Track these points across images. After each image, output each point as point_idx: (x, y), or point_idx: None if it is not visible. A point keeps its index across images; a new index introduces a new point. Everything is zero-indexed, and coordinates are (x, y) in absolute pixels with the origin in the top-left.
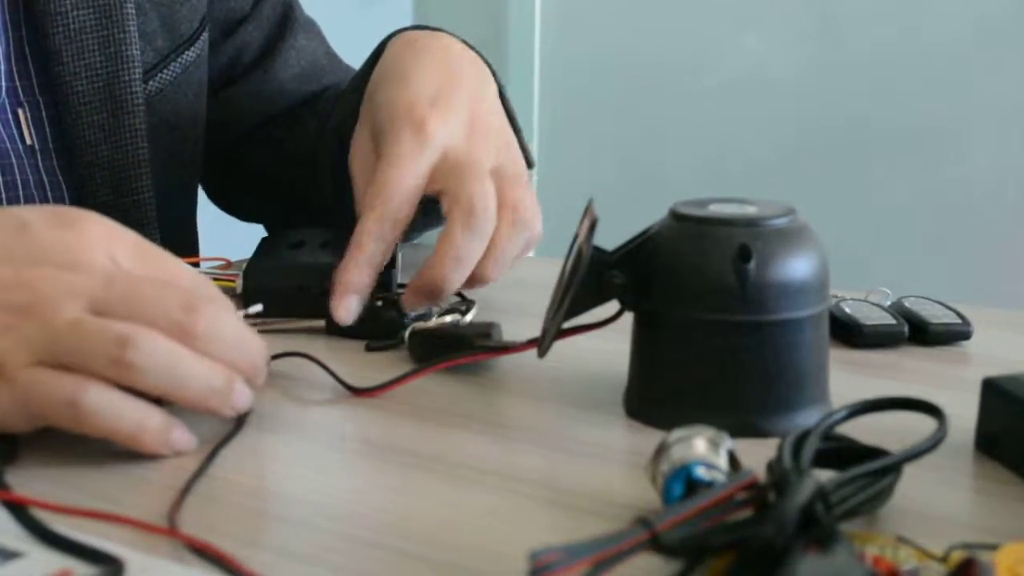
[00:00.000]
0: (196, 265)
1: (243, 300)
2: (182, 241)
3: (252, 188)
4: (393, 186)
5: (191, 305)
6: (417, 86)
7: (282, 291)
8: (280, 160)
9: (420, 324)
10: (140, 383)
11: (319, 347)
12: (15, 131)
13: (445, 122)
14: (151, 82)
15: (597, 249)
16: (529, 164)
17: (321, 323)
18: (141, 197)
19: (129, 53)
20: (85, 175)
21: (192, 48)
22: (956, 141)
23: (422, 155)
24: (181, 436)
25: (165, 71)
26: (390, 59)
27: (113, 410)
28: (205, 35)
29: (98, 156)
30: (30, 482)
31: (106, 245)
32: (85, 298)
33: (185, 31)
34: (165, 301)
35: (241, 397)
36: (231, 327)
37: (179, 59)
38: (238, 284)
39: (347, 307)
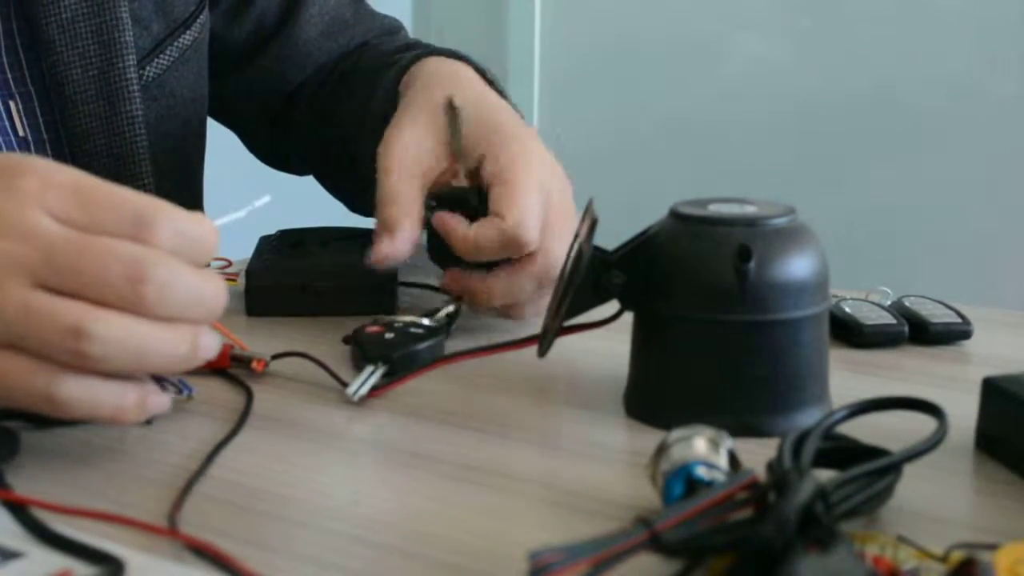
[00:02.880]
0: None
1: (245, 300)
2: None
3: (300, 147)
4: (528, 242)
5: (136, 275)
6: (513, 139)
7: (284, 290)
8: (319, 119)
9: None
10: (103, 370)
11: (319, 347)
12: (7, 123)
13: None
14: (148, 68)
15: (597, 249)
16: None
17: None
18: (141, 184)
19: (123, 40)
20: (83, 165)
21: (189, 31)
22: (956, 141)
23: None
24: (156, 401)
25: (161, 56)
26: (461, 86)
27: (90, 399)
28: (203, 18)
29: (95, 145)
30: (30, 482)
31: (41, 199)
32: (26, 272)
33: (180, 14)
34: (109, 272)
35: (207, 350)
36: (182, 282)
37: (176, 43)
38: (240, 283)
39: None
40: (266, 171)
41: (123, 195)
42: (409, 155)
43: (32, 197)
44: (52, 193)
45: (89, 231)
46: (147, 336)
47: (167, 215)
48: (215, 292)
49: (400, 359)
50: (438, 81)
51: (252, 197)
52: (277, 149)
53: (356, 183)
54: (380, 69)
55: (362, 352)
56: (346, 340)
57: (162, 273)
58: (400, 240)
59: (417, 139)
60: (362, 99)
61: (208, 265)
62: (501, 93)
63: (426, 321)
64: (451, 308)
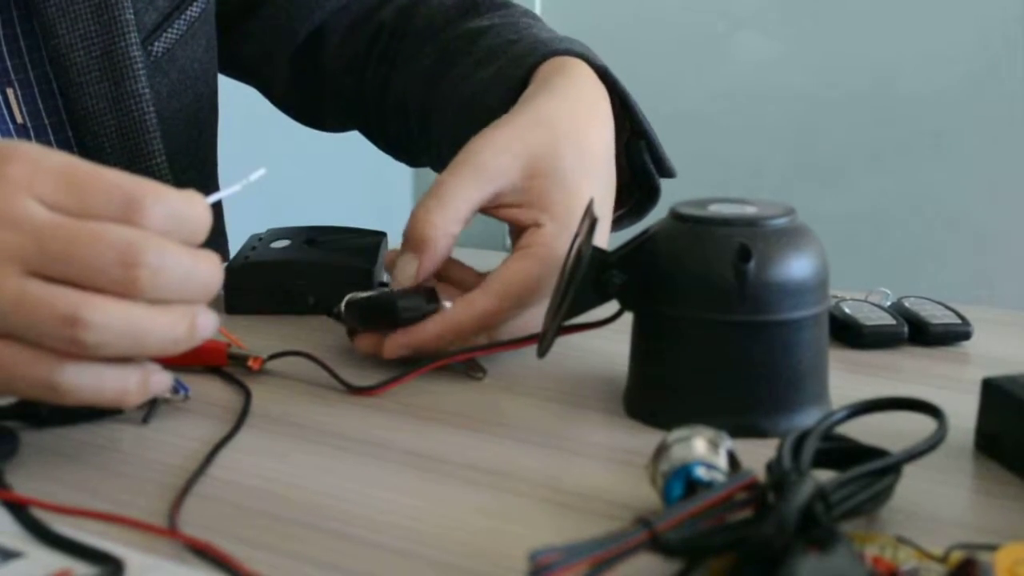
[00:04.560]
0: None
1: (224, 297)
2: None
3: (335, 96)
4: (528, 296)
5: (129, 259)
6: (580, 200)
7: (263, 289)
8: (345, 67)
9: (356, 295)
10: (100, 356)
11: (319, 347)
12: (5, 111)
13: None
14: (156, 43)
15: (597, 249)
16: (665, 173)
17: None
18: (154, 163)
19: (124, 18)
20: (92, 147)
21: (195, 3)
22: (956, 141)
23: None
24: (159, 380)
25: (170, 30)
26: (555, 144)
27: (94, 384)
28: None
29: (104, 126)
30: (30, 482)
31: (31, 186)
32: (19, 261)
33: None
34: (101, 258)
35: (204, 329)
36: (175, 264)
37: (183, 16)
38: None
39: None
40: (282, 142)
41: (113, 178)
42: (491, 162)
43: (21, 184)
44: (41, 179)
45: (80, 216)
46: (143, 320)
47: (157, 196)
48: (209, 271)
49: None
50: (573, 105)
51: (270, 168)
52: (305, 100)
53: (411, 137)
54: (454, 28)
55: (390, 308)
56: (334, 315)
57: (155, 256)
58: (427, 263)
59: (509, 150)
60: (435, 62)
61: (218, 243)
62: (623, 96)
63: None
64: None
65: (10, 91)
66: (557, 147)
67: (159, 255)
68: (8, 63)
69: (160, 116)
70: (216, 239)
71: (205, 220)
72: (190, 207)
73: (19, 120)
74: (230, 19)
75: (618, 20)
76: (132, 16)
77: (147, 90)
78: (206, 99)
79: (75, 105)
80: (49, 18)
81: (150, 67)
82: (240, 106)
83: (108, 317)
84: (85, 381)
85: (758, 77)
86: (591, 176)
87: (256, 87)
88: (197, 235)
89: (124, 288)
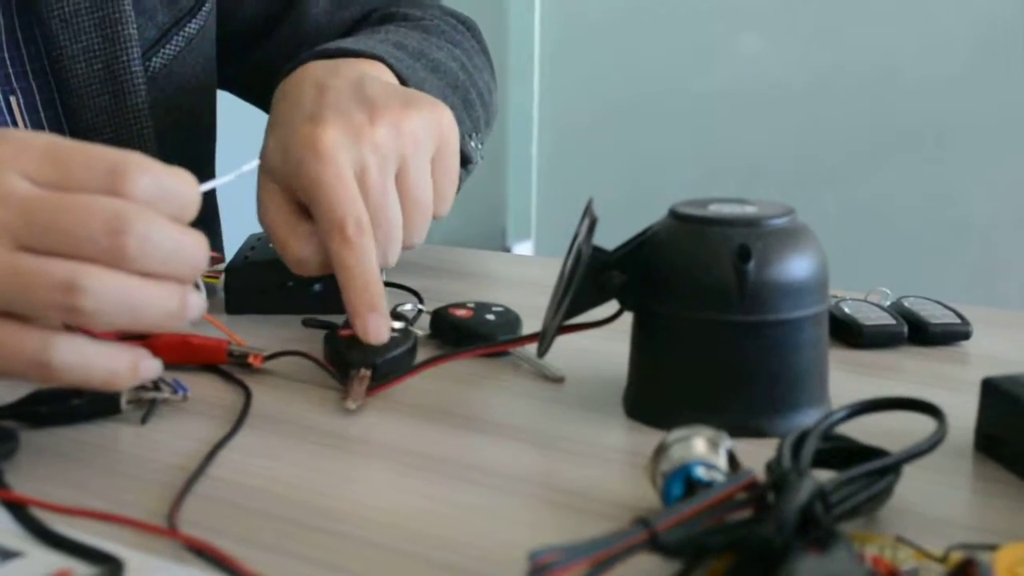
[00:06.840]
0: None
1: (224, 297)
2: (199, 217)
3: None
4: (344, 204)
5: (116, 227)
6: (291, 117)
7: (264, 288)
8: None
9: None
10: (94, 326)
11: (319, 347)
12: (7, 118)
13: (335, 127)
14: (155, 58)
15: (597, 249)
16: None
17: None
18: None
19: (126, 32)
20: None
21: (194, 20)
22: (956, 141)
23: (342, 167)
24: (148, 365)
25: (168, 46)
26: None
27: (84, 363)
28: (208, 6)
29: (102, 139)
30: (30, 482)
31: (16, 164)
32: (8, 236)
33: (185, 4)
34: (88, 226)
35: (194, 309)
36: (162, 235)
37: (181, 33)
38: (220, 280)
39: (376, 328)
40: None
41: (96, 150)
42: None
43: (6, 163)
44: (26, 157)
45: (65, 189)
46: (137, 290)
47: (141, 165)
48: (196, 245)
49: (383, 364)
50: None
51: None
52: None
53: None
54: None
55: (341, 357)
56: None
57: (142, 225)
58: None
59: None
60: None
61: (213, 244)
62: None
63: (397, 324)
64: (408, 306)
65: (13, 98)
66: (281, 106)
67: (146, 224)
68: (10, 70)
69: (155, 130)
70: (205, 211)
71: (193, 195)
72: (177, 180)
73: (21, 127)
74: (240, 47)
75: (618, 19)
76: (135, 31)
77: (146, 105)
78: (203, 114)
79: (74, 116)
80: (52, 29)
81: (147, 82)
82: (240, 109)
83: (104, 284)
84: (75, 359)
85: (758, 76)
86: (296, 107)
87: (260, 107)
88: (185, 210)
89: (112, 256)
